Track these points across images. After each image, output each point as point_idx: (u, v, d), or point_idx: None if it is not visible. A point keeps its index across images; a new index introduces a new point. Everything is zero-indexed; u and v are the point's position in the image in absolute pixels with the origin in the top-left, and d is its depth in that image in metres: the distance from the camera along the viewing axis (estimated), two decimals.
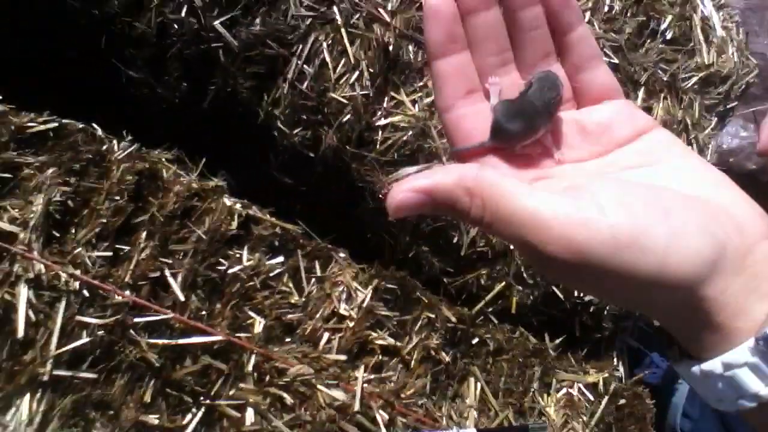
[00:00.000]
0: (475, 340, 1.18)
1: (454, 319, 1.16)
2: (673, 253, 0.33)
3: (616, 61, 1.39)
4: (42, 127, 1.04)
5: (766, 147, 0.69)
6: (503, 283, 1.25)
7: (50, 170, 1.01)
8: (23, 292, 0.91)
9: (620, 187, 0.36)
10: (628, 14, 1.48)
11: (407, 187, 0.35)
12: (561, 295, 1.26)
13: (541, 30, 0.41)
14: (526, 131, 0.39)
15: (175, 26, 1.19)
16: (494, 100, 0.40)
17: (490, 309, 1.27)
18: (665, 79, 1.43)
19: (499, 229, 0.35)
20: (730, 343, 0.34)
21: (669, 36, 1.49)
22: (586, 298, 1.25)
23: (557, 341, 1.26)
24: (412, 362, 1.10)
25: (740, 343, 0.33)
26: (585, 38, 0.42)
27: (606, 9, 1.45)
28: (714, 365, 0.34)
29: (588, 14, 1.43)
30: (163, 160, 1.13)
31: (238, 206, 1.10)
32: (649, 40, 1.48)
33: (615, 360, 1.33)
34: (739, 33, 1.66)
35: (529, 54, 0.41)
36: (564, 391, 1.20)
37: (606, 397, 1.20)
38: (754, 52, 2.41)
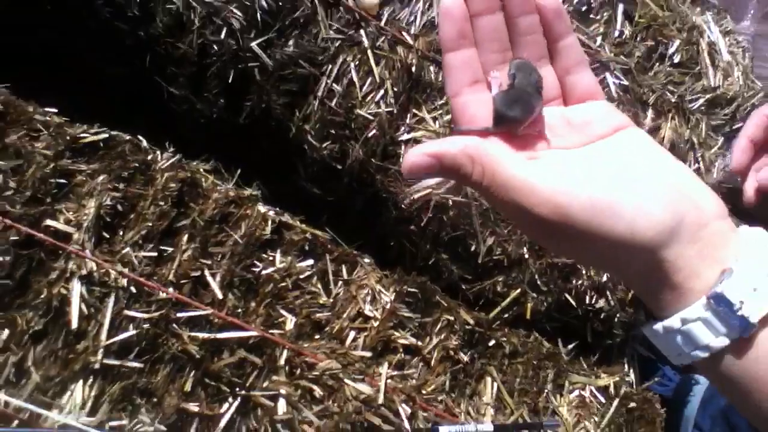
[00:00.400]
0: (492, 343, 1.24)
1: (471, 322, 1.22)
2: (640, 219, 0.40)
3: (626, 82, 1.47)
4: (93, 138, 1.13)
5: (738, 166, 0.77)
6: (518, 290, 1.31)
7: (101, 177, 1.10)
8: (76, 288, 1.00)
9: (598, 165, 0.43)
10: (638, 39, 1.56)
11: (420, 151, 0.42)
12: (573, 303, 1.32)
13: (537, 35, 0.48)
14: (525, 115, 0.45)
15: (215, 47, 1.28)
16: (495, 91, 0.47)
17: (506, 315, 1.33)
18: (673, 100, 1.50)
19: (495, 193, 0.42)
20: (686, 301, 0.40)
21: (677, 60, 1.57)
22: (597, 305, 1.31)
23: (570, 346, 1.32)
24: (432, 361, 1.16)
25: (695, 301, 0.40)
26: (573, 46, 0.49)
27: (617, 34, 1.53)
28: (674, 321, 0.41)
29: (599, 39, 1.51)
30: (202, 170, 1.21)
31: (271, 213, 1.18)
32: (657, 64, 1.56)
33: (626, 366, 1.39)
34: (745, 57, 1.73)
35: (525, 55, 0.48)
36: (576, 393, 1.26)
37: (617, 400, 1.26)
38: (763, 77, 2.48)
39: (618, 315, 1.34)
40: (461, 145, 0.43)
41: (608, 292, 1.32)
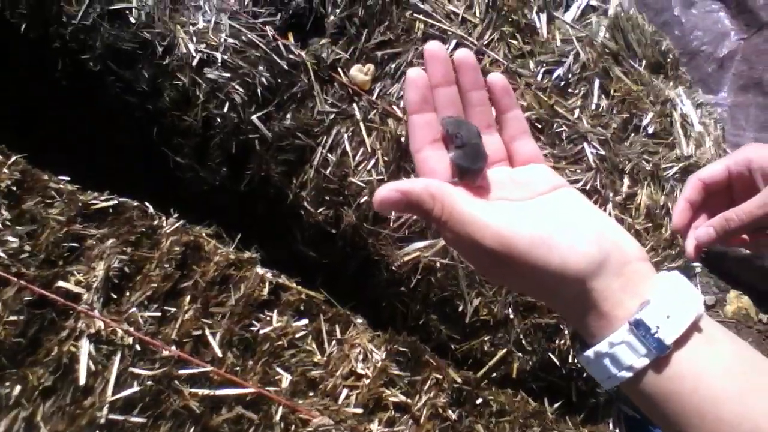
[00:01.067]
0: (479, 401, 1.29)
1: (459, 381, 1.28)
2: (572, 252, 0.47)
3: (603, 152, 1.57)
4: (103, 204, 1.21)
5: (677, 226, 0.85)
6: (505, 350, 1.37)
7: (110, 241, 1.17)
8: (85, 346, 1.06)
9: (538, 211, 0.51)
10: (614, 111, 1.67)
11: (390, 187, 0.49)
12: (557, 362, 1.38)
13: (485, 107, 0.56)
14: (484, 165, 0.53)
15: (218, 120, 1.38)
16: (452, 150, 0.54)
17: (494, 374, 1.39)
18: (648, 168, 1.60)
19: (452, 227, 0.49)
20: (612, 327, 0.47)
21: (651, 130, 1.67)
22: (580, 364, 1.37)
23: (555, 405, 1.37)
24: (422, 418, 1.21)
25: (619, 327, 0.47)
26: (518, 118, 0.57)
27: (593, 107, 1.64)
28: (602, 346, 0.48)
29: (577, 111, 1.62)
30: (204, 234, 1.29)
31: (268, 275, 1.25)
32: (633, 134, 1.66)
33: (611, 425, 1.43)
34: (716, 128, 1.84)
35: (476, 122, 0.56)
36: None
37: None
38: (741, 145, 2.60)
39: None
40: (425, 185, 0.50)
41: None
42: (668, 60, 1.87)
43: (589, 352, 0.49)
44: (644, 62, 1.79)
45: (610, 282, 0.47)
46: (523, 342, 1.36)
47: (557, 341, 1.37)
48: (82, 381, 1.03)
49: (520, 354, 1.38)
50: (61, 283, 1.09)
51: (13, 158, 1.21)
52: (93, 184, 1.25)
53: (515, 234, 0.47)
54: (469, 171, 0.52)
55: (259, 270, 1.25)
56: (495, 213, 0.49)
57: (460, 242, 0.49)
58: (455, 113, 0.55)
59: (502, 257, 0.47)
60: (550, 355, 1.37)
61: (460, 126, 0.54)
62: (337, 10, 1.55)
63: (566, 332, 1.36)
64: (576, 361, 1.36)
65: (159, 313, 1.13)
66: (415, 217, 1.37)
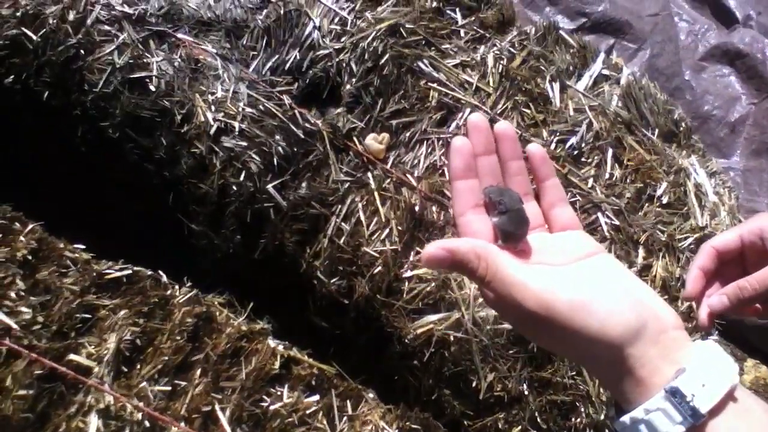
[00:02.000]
0: None
1: None
2: (610, 319, 0.48)
3: (617, 222, 1.56)
4: (118, 274, 1.22)
5: (690, 294, 0.84)
6: (519, 427, 1.34)
7: (122, 312, 1.17)
8: (94, 421, 1.04)
9: (577, 276, 0.52)
10: (628, 180, 1.67)
11: (438, 245, 0.51)
12: None
13: (523, 176, 0.59)
14: (526, 230, 0.55)
15: (234, 188, 1.39)
16: (494, 216, 0.56)
17: None
18: (663, 239, 1.59)
19: (494, 287, 0.50)
20: (648, 393, 0.48)
21: (665, 200, 1.67)
22: None
23: None
24: None
25: (655, 394, 0.47)
26: (556, 186, 0.59)
27: (607, 176, 1.64)
28: (638, 412, 0.48)
29: (591, 180, 1.62)
30: (217, 303, 1.28)
31: (280, 347, 1.23)
32: (647, 204, 1.65)
33: None
34: (731, 197, 1.83)
35: (514, 190, 0.58)
36: None
37: None
38: (754, 210, 2.58)
39: None
40: (471, 245, 0.52)
41: (606, 430, 1.34)
42: (681, 128, 1.88)
43: (625, 418, 0.49)
44: (657, 131, 1.80)
45: (647, 349, 0.48)
46: (539, 419, 1.33)
47: (573, 419, 1.34)
48: None
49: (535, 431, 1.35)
50: (72, 356, 1.08)
51: (30, 226, 1.22)
52: (108, 252, 1.25)
53: (556, 298, 0.48)
54: (513, 235, 0.55)
55: (271, 342, 1.24)
56: (536, 276, 0.50)
57: (501, 302, 0.51)
58: (495, 181, 0.58)
59: (542, 319, 0.48)
60: None
61: (503, 194, 0.56)
62: (353, 80, 1.58)
63: (582, 410, 1.33)
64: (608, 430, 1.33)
65: (169, 387, 1.12)
66: (428, 289, 1.36)
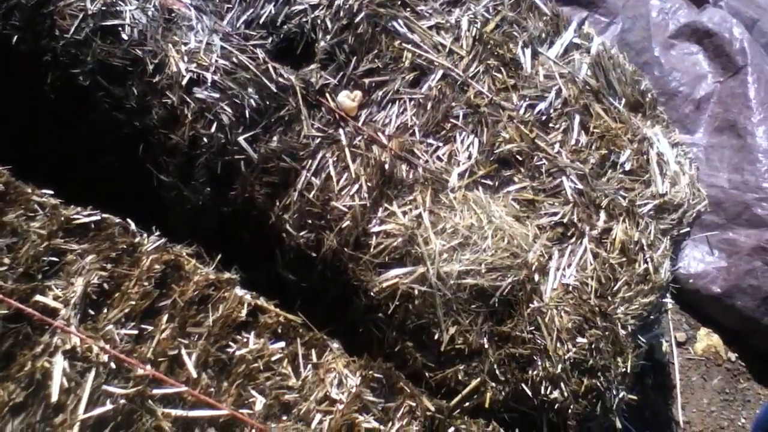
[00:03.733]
0: (451, 430, 1.30)
1: (433, 409, 1.28)
2: None
3: (581, 186, 1.60)
4: (85, 220, 1.22)
5: None
6: (478, 379, 1.38)
7: (90, 257, 1.17)
8: (59, 362, 1.05)
9: None
10: (593, 147, 1.71)
11: None
12: (530, 393, 1.40)
13: None
14: None
15: (205, 139, 1.39)
16: None
17: (467, 403, 1.39)
18: (624, 204, 1.63)
19: None
20: None
21: (628, 167, 1.71)
22: (552, 396, 1.38)
23: None
24: None
25: None
26: None
27: (573, 142, 1.68)
28: None
29: (557, 146, 1.66)
30: (185, 253, 1.29)
31: (247, 297, 1.25)
32: (610, 170, 1.70)
33: None
34: (691, 167, 1.89)
35: None
36: None
37: None
38: (715, 185, 2.66)
39: (572, 407, 1.41)
40: None
41: (562, 384, 1.39)
42: (647, 99, 1.92)
43: None
44: (624, 101, 1.84)
45: None
46: (497, 372, 1.38)
47: (530, 372, 1.39)
48: (54, 398, 1.02)
49: (494, 384, 1.39)
50: (38, 298, 1.09)
51: None
52: (76, 199, 1.25)
53: None
54: None
55: (238, 291, 1.25)
56: None
57: None
58: None
59: None
60: (523, 386, 1.39)
61: None
62: (328, 37, 1.58)
63: (540, 364, 1.38)
64: (548, 392, 1.38)
65: (136, 331, 1.13)
66: (395, 244, 1.39)
